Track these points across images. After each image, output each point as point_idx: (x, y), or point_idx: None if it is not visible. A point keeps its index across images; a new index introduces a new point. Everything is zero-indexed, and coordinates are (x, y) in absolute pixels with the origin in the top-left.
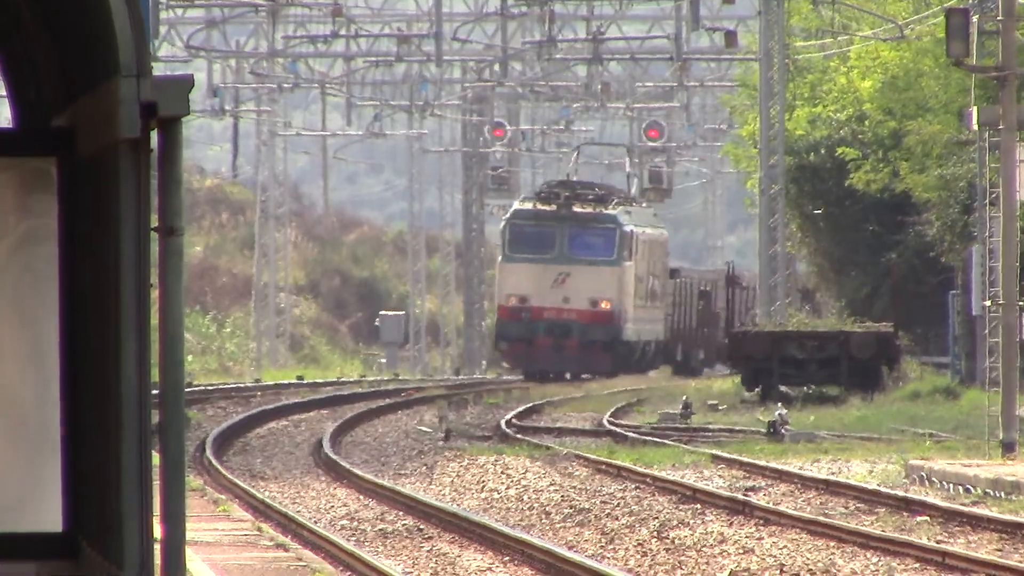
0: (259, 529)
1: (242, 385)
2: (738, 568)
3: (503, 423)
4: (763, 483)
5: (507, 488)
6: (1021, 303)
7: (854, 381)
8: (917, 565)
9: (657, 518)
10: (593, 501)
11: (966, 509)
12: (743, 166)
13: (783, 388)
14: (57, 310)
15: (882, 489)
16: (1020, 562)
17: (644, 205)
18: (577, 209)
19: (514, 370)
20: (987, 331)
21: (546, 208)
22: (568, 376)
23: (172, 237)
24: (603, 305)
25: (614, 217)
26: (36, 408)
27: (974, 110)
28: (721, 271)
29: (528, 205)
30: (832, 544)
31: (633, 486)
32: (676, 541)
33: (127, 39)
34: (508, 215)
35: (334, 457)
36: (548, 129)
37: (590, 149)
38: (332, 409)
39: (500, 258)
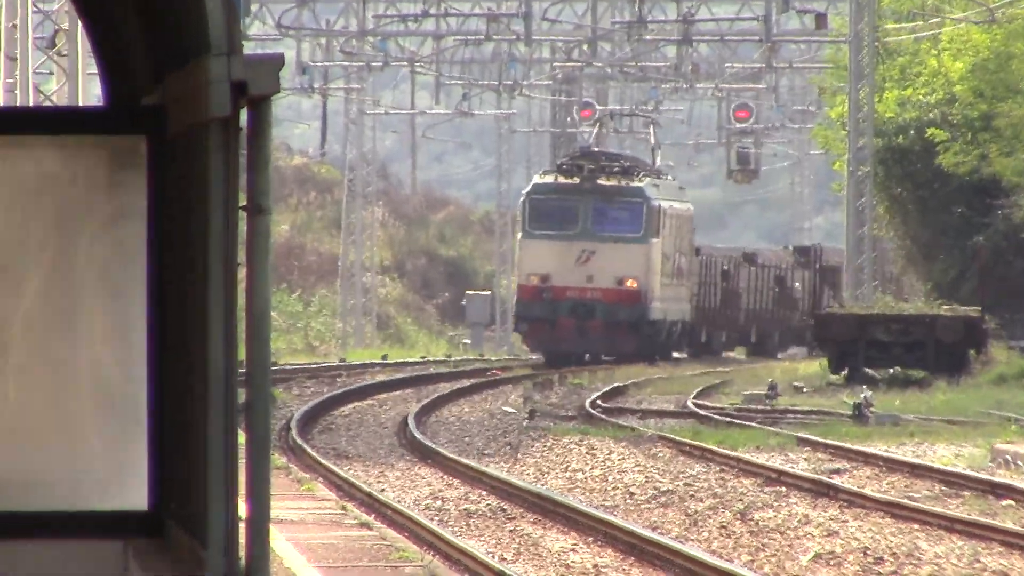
0: (343, 508)
1: (327, 364)
2: (822, 551)
3: (587, 404)
4: (848, 466)
5: (591, 469)
6: None
7: (940, 364)
8: (1002, 549)
9: (741, 500)
10: (677, 483)
11: None
12: (831, 148)
13: (868, 371)
14: (145, 288)
15: (967, 473)
16: None
17: (669, 178)
18: (602, 182)
19: (533, 352)
20: None
21: (568, 181)
22: (588, 358)
23: (260, 216)
24: (629, 284)
25: (641, 190)
26: (123, 386)
27: None
28: (738, 249)
29: (549, 178)
30: (916, 528)
31: (717, 468)
32: (760, 523)
33: (218, 17)
34: (528, 188)
35: (419, 437)
36: (637, 110)
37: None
38: (417, 389)
39: (519, 234)
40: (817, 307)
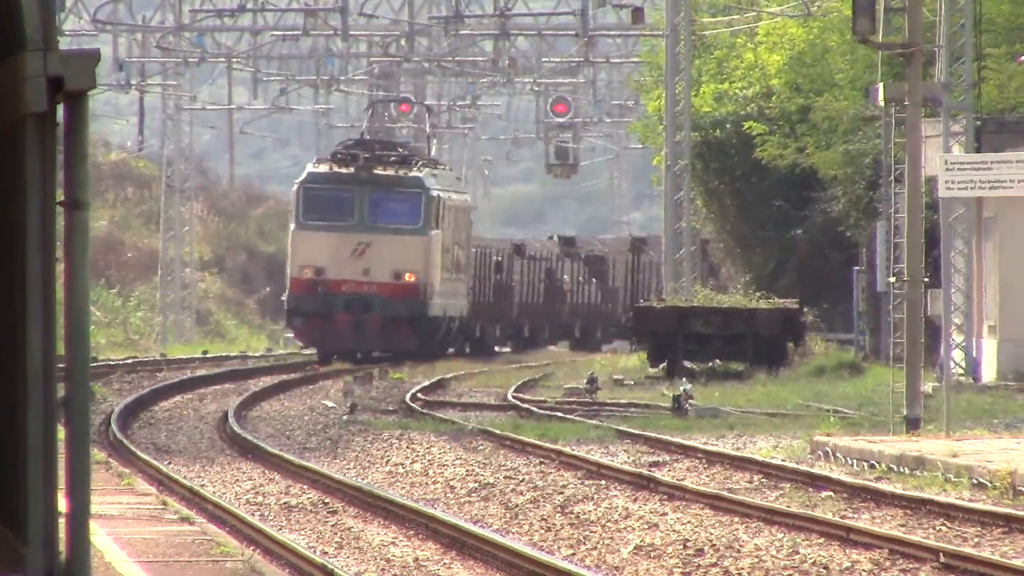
0: (164, 503)
1: (147, 359)
2: (642, 543)
3: (408, 398)
4: (668, 458)
5: (412, 463)
6: (926, 280)
7: (759, 357)
8: (822, 540)
9: (562, 493)
10: (498, 476)
11: (871, 484)
12: (649, 142)
13: (688, 364)
14: None
15: (787, 464)
16: (924, 537)
17: (446, 167)
18: (378, 172)
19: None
20: (891, 307)
21: (343, 171)
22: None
23: (78, 211)
24: (408, 278)
25: (419, 180)
26: None
27: (880, 86)
28: (506, 241)
29: (323, 167)
30: (736, 519)
31: (538, 461)
32: (581, 516)
33: (33, 13)
34: (301, 177)
35: (239, 431)
36: (455, 105)
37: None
38: (237, 384)
39: (292, 226)
40: (635, 299)
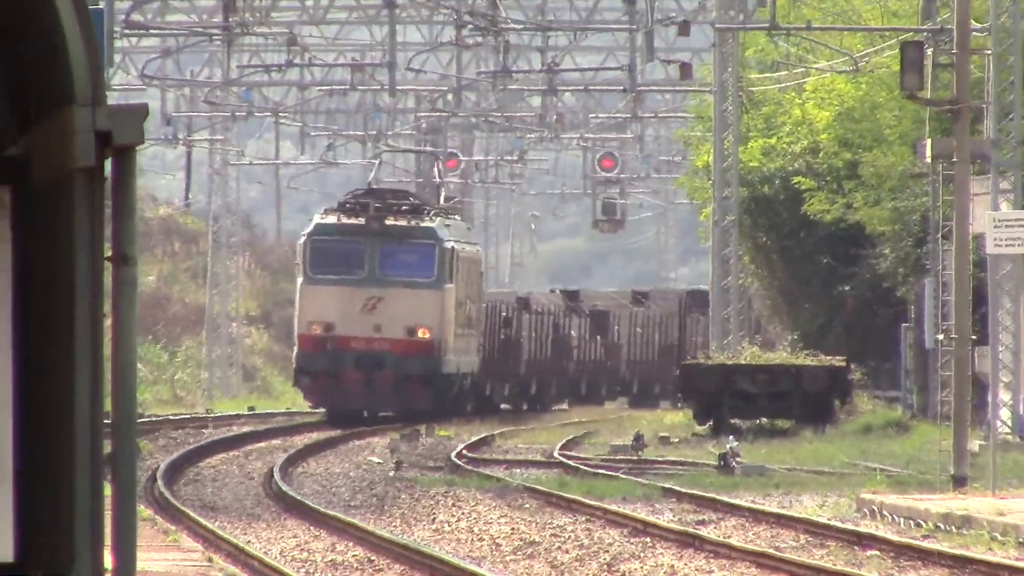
0: (209, 559)
1: (194, 415)
2: None
3: (454, 455)
4: (714, 516)
5: (457, 520)
6: (973, 337)
7: (806, 414)
8: None
9: (607, 551)
10: (543, 533)
11: (917, 543)
12: (697, 197)
13: (735, 421)
14: (10, 338)
15: (833, 523)
16: None
17: (457, 218)
18: (390, 222)
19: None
20: (939, 365)
21: (353, 221)
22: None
23: (126, 266)
24: (421, 334)
25: (433, 231)
26: None
27: (928, 142)
28: (513, 294)
29: (332, 218)
30: None
31: (583, 518)
32: (626, 574)
33: (82, 68)
34: (309, 229)
35: (284, 488)
36: (502, 160)
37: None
38: (283, 440)
39: (300, 280)
40: (682, 356)
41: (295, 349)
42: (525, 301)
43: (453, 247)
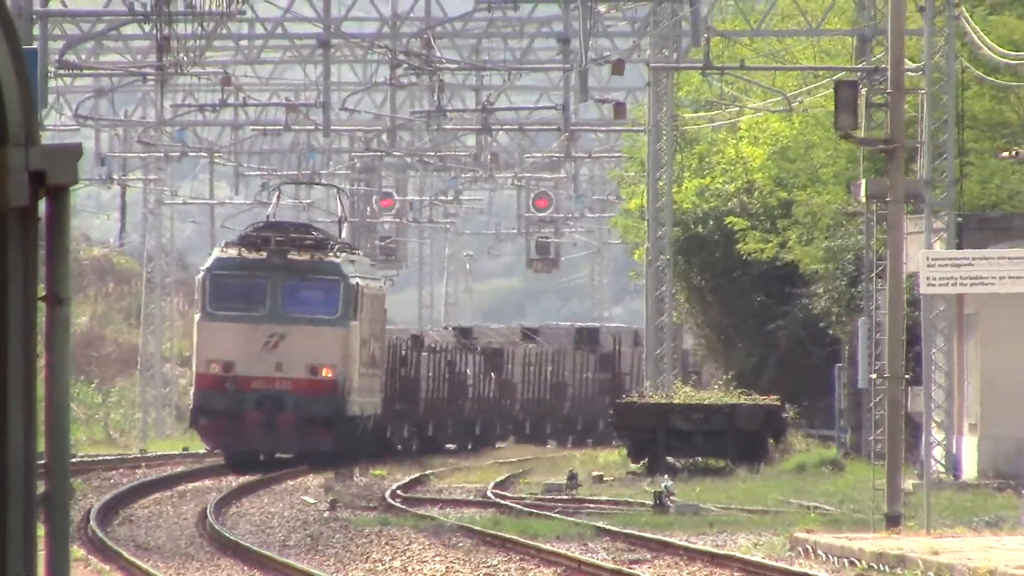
0: None
1: (127, 455)
2: None
3: (388, 494)
4: (648, 555)
5: (391, 559)
6: (907, 376)
7: (740, 453)
8: None
9: None
10: (477, 573)
11: None
12: (631, 237)
13: (669, 459)
14: None
15: (767, 562)
16: None
17: (360, 253)
18: (292, 257)
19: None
20: (873, 404)
21: (254, 256)
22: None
23: (59, 306)
24: (325, 373)
25: (337, 267)
26: None
27: (862, 182)
28: (405, 331)
29: (232, 252)
30: None
31: (518, 557)
32: None
33: (15, 108)
34: (208, 263)
35: (219, 528)
36: (436, 199)
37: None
38: (217, 479)
39: (198, 316)
40: (617, 395)
41: (192, 389)
42: (419, 339)
43: (358, 283)
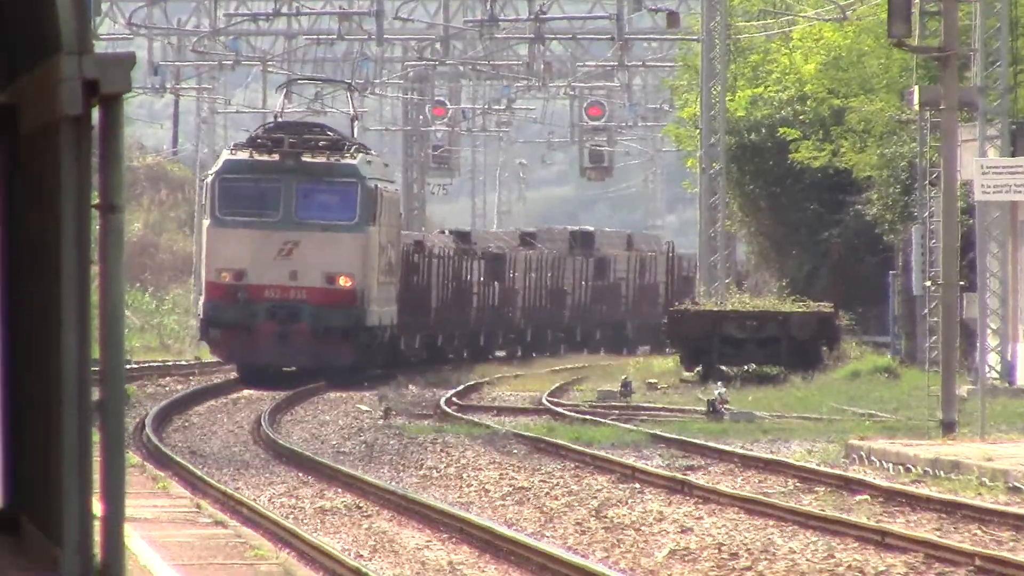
0: (198, 506)
1: (182, 362)
2: (677, 547)
3: (443, 402)
4: (702, 462)
5: (446, 467)
6: (961, 284)
7: (794, 361)
8: (856, 544)
9: (596, 497)
10: (532, 480)
11: (906, 488)
12: (684, 146)
13: (723, 368)
14: None
15: (821, 468)
16: (959, 541)
17: (374, 153)
18: (307, 159)
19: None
20: (927, 311)
21: (266, 158)
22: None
23: (113, 214)
24: (342, 282)
25: (355, 168)
26: None
27: (915, 90)
28: (409, 235)
29: (243, 154)
30: (771, 523)
31: (572, 465)
32: (615, 520)
33: (68, 16)
34: (217, 167)
35: (273, 436)
36: (489, 108)
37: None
38: (271, 388)
39: (207, 222)
40: (670, 303)
41: (201, 298)
42: (422, 244)
43: (377, 186)
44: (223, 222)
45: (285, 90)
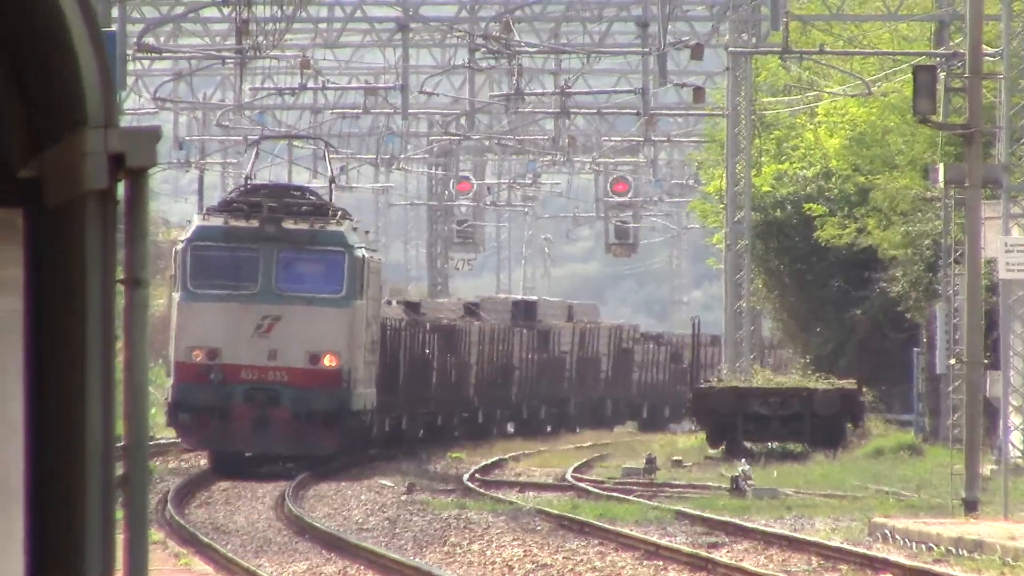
0: None
1: None
2: None
3: (466, 477)
4: (726, 539)
5: (469, 543)
6: (985, 361)
7: (818, 438)
8: None
9: (620, 574)
10: (556, 556)
11: (929, 568)
12: (709, 222)
13: (747, 445)
14: (23, 361)
15: (845, 546)
16: None
17: (355, 219)
18: (289, 226)
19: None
20: (951, 389)
21: (243, 225)
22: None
23: (138, 289)
24: (328, 361)
25: (342, 236)
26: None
27: (940, 167)
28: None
29: (216, 220)
30: None
31: (596, 542)
32: None
33: (95, 90)
34: (188, 234)
35: (296, 511)
36: (515, 183)
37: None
38: (295, 462)
39: (177, 295)
40: (695, 380)
41: (170, 380)
42: (414, 308)
43: (364, 256)
44: (195, 295)
45: (256, 148)
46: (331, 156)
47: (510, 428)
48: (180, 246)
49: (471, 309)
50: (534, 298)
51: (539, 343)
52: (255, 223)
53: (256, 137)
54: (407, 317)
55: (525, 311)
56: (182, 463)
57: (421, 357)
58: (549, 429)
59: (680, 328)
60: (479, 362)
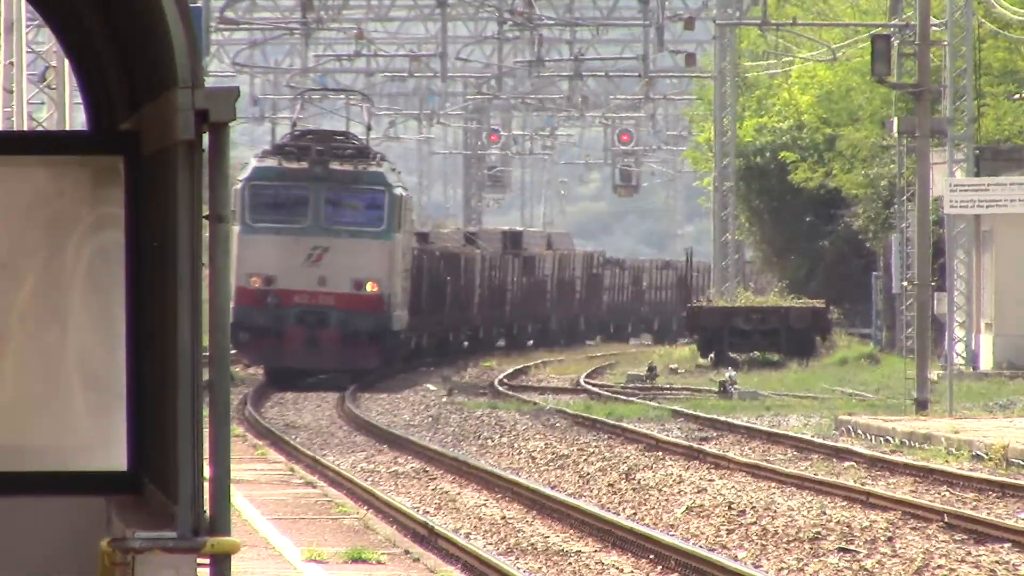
0: (291, 470)
1: None
2: (693, 504)
3: (496, 382)
4: (715, 434)
5: (500, 437)
6: (933, 284)
7: (792, 349)
8: (845, 503)
9: (625, 463)
10: (572, 448)
11: (886, 456)
12: (700, 167)
13: (732, 355)
14: (124, 285)
15: (815, 439)
16: (931, 501)
17: (392, 163)
18: (335, 167)
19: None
20: (904, 307)
21: (294, 166)
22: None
23: (220, 224)
24: (370, 287)
25: (382, 176)
26: (106, 366)
27: (895, 120)
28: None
29: (271, 162)
30: (773, 485)
31: (606, 436)
32: (641, 482)
33: (183, 56)
34: (246, 174)
35: (354, 410)
36: (536, 135)
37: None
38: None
39: (237, 228)
40: (688, 301)
41: (232, 303)
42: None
43: (402, 194)
44: (253, 229)
45: (300, 100)
46: (371, 110)
47: (501, 343)
48: (238, 184)
49: (470, 239)
50: (520, 228)
51: (525, 269)
52: (305, 164)
53: (300, 90)
54: (418, 246)
55: (512, 240)
56: (259, 370)
57: (437, 282)
58: (531, 343)
59: (675, 256)
60: (480, 286)
